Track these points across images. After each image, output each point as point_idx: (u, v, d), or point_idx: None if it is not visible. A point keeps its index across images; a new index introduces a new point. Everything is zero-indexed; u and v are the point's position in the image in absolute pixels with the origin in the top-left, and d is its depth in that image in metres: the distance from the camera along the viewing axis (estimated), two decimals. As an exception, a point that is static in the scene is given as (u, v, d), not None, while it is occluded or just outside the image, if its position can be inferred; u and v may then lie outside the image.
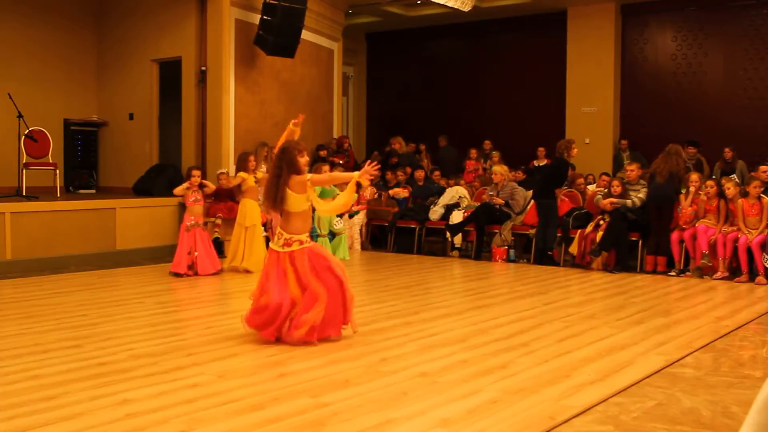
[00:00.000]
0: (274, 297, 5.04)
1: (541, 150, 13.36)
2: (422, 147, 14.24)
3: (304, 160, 5.18)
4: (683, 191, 9.33)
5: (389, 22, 16.09)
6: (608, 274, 9.03)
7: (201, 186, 8.75)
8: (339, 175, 5.50)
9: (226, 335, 5.46)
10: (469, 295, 7.60)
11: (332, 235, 9.55)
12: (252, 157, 9.17)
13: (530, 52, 15.28)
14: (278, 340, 5.13)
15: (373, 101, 17.66)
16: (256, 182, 8.98)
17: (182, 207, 8.86)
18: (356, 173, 5.23)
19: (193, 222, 8.55)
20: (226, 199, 10.24)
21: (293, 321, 5.07)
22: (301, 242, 5.15)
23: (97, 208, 9.79)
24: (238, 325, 5.87)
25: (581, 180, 11.00)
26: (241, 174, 8.96)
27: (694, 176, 9.36)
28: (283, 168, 5.10)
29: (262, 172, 9.30)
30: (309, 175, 5.19)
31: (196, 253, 8.44)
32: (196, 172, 8.75)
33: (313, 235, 8.59)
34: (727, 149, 11.83)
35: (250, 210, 8.87)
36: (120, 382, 4.20)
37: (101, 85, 13.12)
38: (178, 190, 8.69)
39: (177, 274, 8.32)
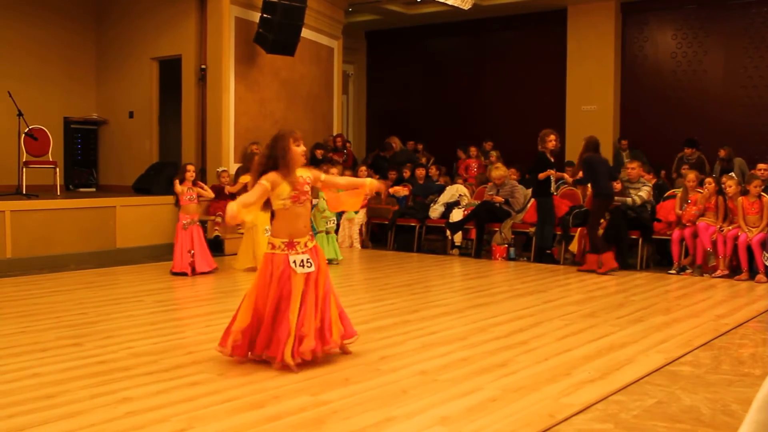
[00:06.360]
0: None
1: None
2: (419, 146, 14.22)
3: (300, 149, 4.55)
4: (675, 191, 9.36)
5: (389, 20, 16.08)
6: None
7: (194, 182, 8.69)
8: (355, 180, 5.07)
9: (226, 333, 5.45)
10: (468, 294, 7.59)
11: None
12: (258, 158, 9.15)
13: (530, 51, 15.27)
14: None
15: (373, 99, 17.65)
16: None
17: (176, 205, 8.80)
18: (370, 180, 4.96)
19: (189, 220, 8.53)
20: (226, 197, 10.23)
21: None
22: (272, 246, 4.53)
23: (97, 207, 9.79)
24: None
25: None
26: (242, 179, 9.00)
27: (691, 175, 9.38)
28: (277, 159, 4.48)
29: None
30: (323, 175, 4.81)
31: (192, 252, 8.41)
32: (191, 167, 8.72)
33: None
34: (721, 149, 11.81)
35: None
36: (120, 380, 4.20)
37: (101, 84, 13.12)
38: (179, 189, 8.55)
39: (180, 274, 8.30)
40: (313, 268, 4.53)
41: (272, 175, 4.46)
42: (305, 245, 4.55)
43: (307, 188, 4.60)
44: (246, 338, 4.51)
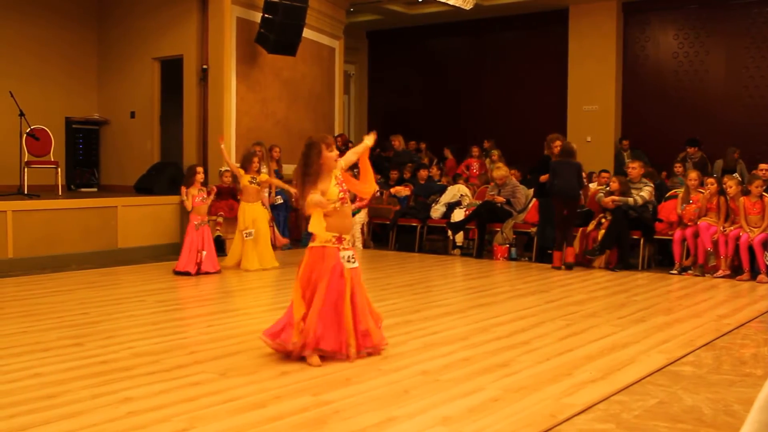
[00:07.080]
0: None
1: None
2: (422, 146, 14.22)
3: (333, 154, 4.73)
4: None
5: (390, 20, 16.08)
6: (609, 272, 9.02)
7: (203, 183, 8.74)
8: (356, 148, 5.17)
9: (228, 333, 5.46)
10: (470, 294, 7.59)
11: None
12: (256, 159, 9.15)
13: (532, 51, 15.27)
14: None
15: (375, 99, 17.65)
16: (252, 183, 8.98)
17: (182, 206, 8.80)
18: (365, 142, 5.02)
19: (200, 221, 8.58)
20: (227, 197, 10.24)
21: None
22: (324, 240, 4.70)
23: (98, 207, 9.79)
24: (240, 324, 5.88)
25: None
26: (240, 171, 9.03)
27: (693, 174, 9.38)
28: (313, 168, 4.64)
29: (265, 174, 9.31)
30: (342, 161, 4.86)
31: (204, 252, 8.45)
32: (200, 169, 8.74)
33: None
34: (736, 153, 11.77)
35: (249, 213, 8.94)
36: (121, 380, 4.20)
37: (102, 84, 13.12)
38: (189, 203, 8.48)
39: (183, 273, 8.31)
40: (356, 264, 4.75)
41: (317, 188, 4.64)
42: (348, 242, 4.78)
43: (345, 185, 4.80)
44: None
